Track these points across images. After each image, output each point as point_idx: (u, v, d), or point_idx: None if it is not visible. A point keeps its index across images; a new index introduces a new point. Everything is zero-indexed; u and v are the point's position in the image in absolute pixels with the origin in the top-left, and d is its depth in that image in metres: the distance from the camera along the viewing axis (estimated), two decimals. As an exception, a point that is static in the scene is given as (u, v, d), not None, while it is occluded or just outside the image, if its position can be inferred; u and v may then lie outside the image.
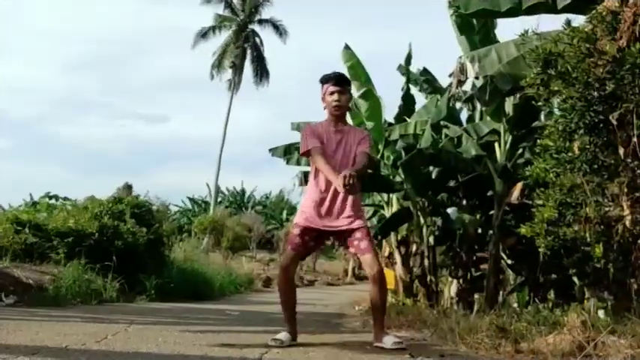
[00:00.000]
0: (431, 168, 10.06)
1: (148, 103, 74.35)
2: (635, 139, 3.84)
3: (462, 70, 6.26)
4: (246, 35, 33.09)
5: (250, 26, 33.46)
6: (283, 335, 3.30)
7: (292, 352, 3.06)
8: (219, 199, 37.79)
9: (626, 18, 3.99)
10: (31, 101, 73.55)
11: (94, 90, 72.74)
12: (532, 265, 7.46)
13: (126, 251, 7.66)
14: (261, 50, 33.80)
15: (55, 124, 74.52)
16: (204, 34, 32.77)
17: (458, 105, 9.87)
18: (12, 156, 61.57)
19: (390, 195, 11.79)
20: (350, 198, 3.44)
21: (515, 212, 8.15)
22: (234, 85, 32.71)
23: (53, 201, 11.42)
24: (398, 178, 10.39)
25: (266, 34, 33.76)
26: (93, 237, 7.58)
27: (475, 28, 7.97)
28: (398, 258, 11.24)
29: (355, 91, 9.78)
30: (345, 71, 10.48)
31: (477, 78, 6.60)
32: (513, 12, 5.80)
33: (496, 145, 8.90)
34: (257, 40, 33.72)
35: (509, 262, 9.94)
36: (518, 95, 7.56)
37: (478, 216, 9.91)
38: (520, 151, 8.74)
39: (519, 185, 7.78)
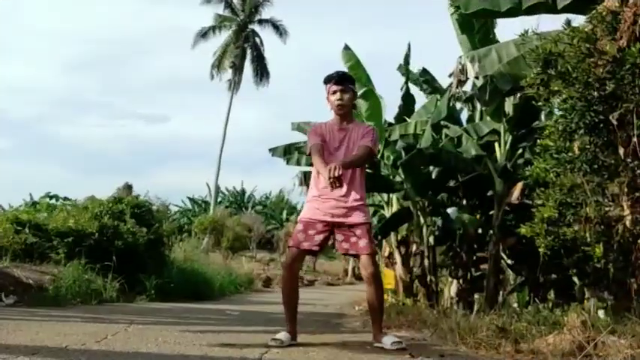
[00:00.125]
0: (431, 168, 10.07)
1: (148, 103, 74.46)
2: (635, 139, 3.84)
3: (462, 70, 6.26)
4: (246, 35, 33.10)
5: (250, 26, 33.47)
6: (283, 335, 3.30)
7: (292, 352, 3.06)
8: (219, 199, 37.80)
9: (626, 18, 3.99)
10: (31, 101, 73.66)
11: (94, 90, 72.85)
12: (532, 265, 7.46)
13: (126, 251, 7.66)
14: (261, 50, 33.82)
15: (55, 124, 74.62)
16: (204, 34, 32.78)
17: (458, 105, 9.86)
18: (12, 156, 61.67)
19: (390, 195, 11.80)
20: (353, 192, 3.44)
21: (515, 212, 8.16)
22: (234, 85, 32.72)
23: (53, 201, 11.42)
24: (398, 178, 10.40)
25: (266, 34, 33.83)
26: (93, 237, 7.58)
27: (475, 28, 7.97)
28: (398, 258, 11.24)
29: (355, 91, 9.77)
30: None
31: (477, 78, 6.59)
32: (513, 12, 5.80)
33: (496, 145, 8.90)
34: (257, 40, 33.74)
35: (509, 262, 9.95)
36: (518, 95, 7.56)
37: (478, 216, 9.91)
38: (520, 151, 8.74)
39: (519, 185, 7.78)
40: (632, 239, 3.98)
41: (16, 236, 7.16)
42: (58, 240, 7.38)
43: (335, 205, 3.43)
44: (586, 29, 4.12)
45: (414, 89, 11.78)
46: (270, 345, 3.19)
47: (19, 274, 6.03)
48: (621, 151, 4.01)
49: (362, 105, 9.97)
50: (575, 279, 7.06)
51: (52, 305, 5.52)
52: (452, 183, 10.03)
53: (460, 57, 6.44)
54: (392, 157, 10.70)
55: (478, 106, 9.84)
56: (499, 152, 8.73)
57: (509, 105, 8.58)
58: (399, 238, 11.34)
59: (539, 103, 4.33)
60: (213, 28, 32.99)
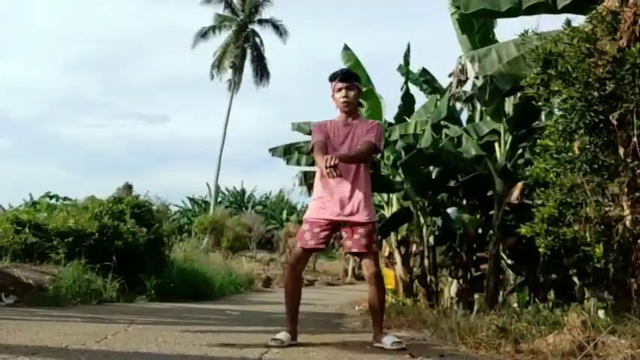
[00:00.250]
0: (431, 168, 10.06)
1: (148, 103, 74.41)
2: (635, 139, 3.84)
3: (462, 69, 6.26)
4: (246, 35, 33.09)
5: (250, 26, 33.47)
6: (283, 335, 3.30)
7: (292, 352, 3.06)
8: (219, 199, 37.80)
9: (626, 18, 3.99)
10: (31, 101, 73.63)
11: (94, 90, 72.81)
12: (532, 265, 7.46)
13: (126, 251, 7.66)
14: (261, 50, 33.81)
15: (55, 124, 74.60)
16: (204, 34, 32.79)
17: (458, 105, 9.86)
18: (12, 156, 61.65)
19: (390, 195, 11.80)
20: (357, 190, 3.43)
21: (515, 212, 8.16)
22: (234, 85, 32.72)
23: (53, 201, 11.41)
24: (398, 178, 10.40)
25: (266, 34, 33.83)
26: (93, 237, 7.58)
27: (475, 28, 7.97)
28: (398, 258, 11.24)
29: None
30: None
31: (477, 78, 6.59)
32: (513, 12, 5.80)
33: (496, 145, 8.90)
34: (257, 40, 33.74)
35: (509, 262, 9.94)
36: (518, 95, 7.56)
37: (478, 216, 9.91)
38: (520, 151, 8.74)
39: (519, 185, 7.78)
40: (632, 239, 3.98)
41: (16, 236, 7.16)
42: (58, 240, 7.38)
43: (339, 203, 3.42)
44: (586, 29, 4.12)
45: (414, 89, 11.79)
46: (270, 345, 3.19)
47: (19, 274, 6.03)
48: (621, 151, 4.01)
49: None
50: (575, 279, 7.06)
51: (52, 305, 5.52)
52: (452, 183, 10.03)
53: (460, 57, 6.44)
54: (392, 157, 10.70)
55: (478, 106, 9.84)
56: (499, 152, 8.73)
57: (509, 105, 8.57)
58: (399, 238, 11.34)
59: (539, 103, 4.33)
60: (213, 28, 33.00)
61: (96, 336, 3.27)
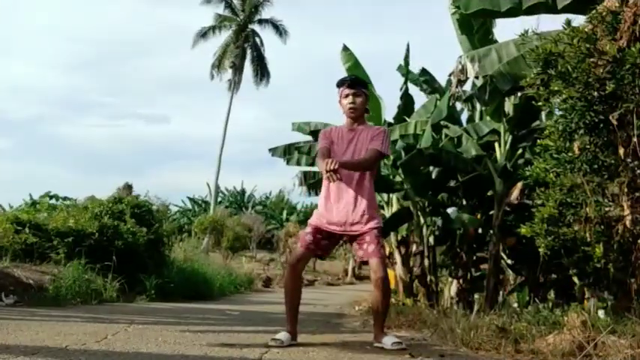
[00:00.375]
0: (431, 168, 10.07)
1: (148, 103, 74.45)
2: (635, 139, 3.84)
3: (462, 69, 6.26)
4: (246, 35, 33.09)
5: (250, 26, 33.46)
6: (283, 335, 3.30)
7: (292, 352, 3.06)
8: (219, 199, 37.80)
9: (626, 18, 3.99)
10: (31, 101, 73.69)
11: (94, 90, 72.90)
12: (532, 265, 7.47)
13: (126, 251, 7.66)
14: (261, 50, 33.80)
15: (55, 124, 74.65)
16: (204, 34, 32.78)
17: (458, 105, 9.87)
18: (12, 156, 61.69)
19: (390, 195, 11.81)
20: (361, 198, 3.43)
21: (515, 212, 8.16)
22: (234, 85, 32.71)
23: (53, 201, 11.41)
24: (398, 178, 10.40)
25: (266, 34, 33.83)
26: (93, 237, 7.58)
27: (474, 28, 7.98)
28: (398, 258, 11.25)
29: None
30: (343, 72, 10.51)
31: (477, 78, 6.59)
32: (513, 12, 5.80)
33: (496, 145, 8.90)
34: (257, 40, 33.73)
35: (509, 262, 9.95)
36: (518, 95, 7.56)
37: (478, 216, 9.92)
38: (520, 151, 8.75)
39: (519, 185, 7.79)
40: (632, 239, 3.98)
41: (16, 236, 7.16)
42: (58, 240, 7.37)
43: (344, 213, 3.43)
44: (586, 29, 4.12)
45: (414, 89, 11.79)
46: (270, 345, 3.19)
47: (19, 274, 6.03)
48: (621, 151, 4.01)
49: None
50: (575, 279, 7.06)
51: (52, 305, 5.52)
52: (452, 183, 10.04)
53: (460, 57, 6.44)
54: (392, 157, 10.71)
55: (478, 106, 9.85)
56: (499, 152, 8.74)
57: (509, 105, 8.58)
58: (399, 238, 11.35)
59: (539, 103, 4.33)
60: (213, 28, 32.99)
61: (96, 336, 3.27)
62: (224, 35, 33.23)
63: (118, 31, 77.23)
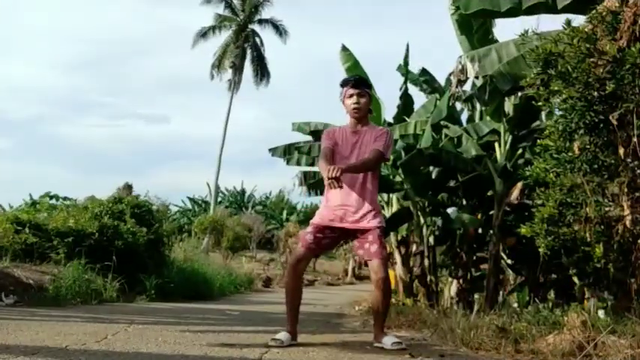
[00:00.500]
0: (431, 168, 10.06)
1: (148, 103, 74.47)
2: (635, 139, 3.84)
3: (462, 69, 6.26)
4: (246, 35, 33.08)
5: (250, 26, 33.45)
6: (283, 335, 3.30)
7: (292, 352, 3.06)
8: (219, 199, 37.79)
9: (626, 18, 3.99)
10: (31, 101, 73.70)
11: (94, 90, 72.91)
12: (532, 265, 7.47)
13: (126, 251, 7.66)
14: (261, 50, 33.80)
15: (55, 124, 74.66)
16: (204, 34, 32.77)
17: (458, 105, 9.87)
18: (12, 156, 61.70)
19: (390, 195, 11.80)
20: (364, 198, 3.43)
21: (515, 212, 8.16)
22: (234, 85, 32.70)
23: (53, 201, 11.41)
24: (398, 178, 10.40)
25: (266, 34, 33.82)
26: (93, 237, 7.58)
27: (474, 28, 7.98)
28: (398, 258, 11.25)
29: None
30: (343, 72, 10.51)
31: (477, 78, 6.59)
32: (513, 12, 5.80)
33: (496, 145, 8.90)
34: (257, 40, 33.73)
35: (509, 262, 9.95)
36: (518, 95, 7.56)
37: (478, 216, 9.92)
38: (520, 151, 8.75)
39: (519, 185, 7.79)
40: (632, 239, 3.98)
41: (16, 236, 7.16)
42: (58, 240, 7.37)
43: (346, 212, 3.43)
44: (586, 29, 4.12)
45: (414, 90, 11.79)
46: (270, 345, 3.19)
47: (19, 274, 6.04)
48: (621, 151, 4.01)
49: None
50: (575, 279, 7.06)
51: (52, 305, 5.53)
52: (452, 183, 10.04)
53: (460, 57, 6.44)
54: (392, 157, 10.71)
55: (478, 106, 9.84)
56: (499, 152, 8.74)
57: (509, 105, 8.58)
58: (399, 238, 11.35)
59: (539, 103, 4.32)
60: (213, 28, 32.98)
61: (96, 336, 3.27)
62: (224, 35, 33.27)
63: (118, 31, 77.34)
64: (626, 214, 3.97)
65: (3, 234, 7.14)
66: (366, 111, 3.61)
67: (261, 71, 33.54)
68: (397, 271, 11.23)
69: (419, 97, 13.07)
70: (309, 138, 11.33)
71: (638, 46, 3.80)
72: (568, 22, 4.25)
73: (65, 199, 11.38)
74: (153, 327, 4.04)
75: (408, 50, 11.33)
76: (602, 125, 4.01)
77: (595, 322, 3.27)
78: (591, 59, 3.96)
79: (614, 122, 3.91)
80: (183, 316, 5.39)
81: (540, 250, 4.23)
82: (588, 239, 4.03)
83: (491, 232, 8.81)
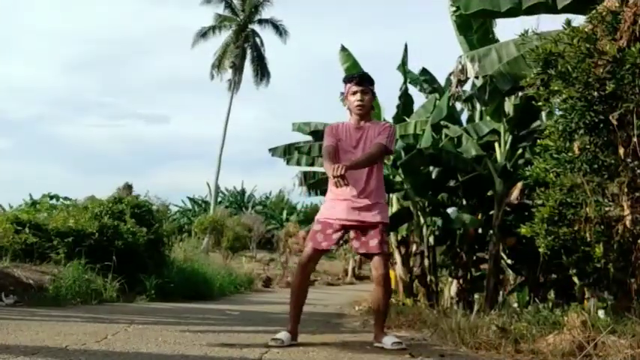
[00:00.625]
0: (431, 168, 10.07)
1: (148, 103, 74.44)
2: (635, 139, 3.84)
3: (462, 69, 6.26)
4: (246, 35, 33.07)
5: (250, 26, 33.44)
6: (283, 335, 3.30)
7: (292, 352, 3.06)
8: (219, 199, 37.78)
9: (626, 18, 3.99)
10: (31, 101, 73.72)
11: (94, 90, 72.87)
12: (532, 265, 7.47)
13: (126, 251, 7.66)
14: (261, 50, 33.78)
15: (55, 124, 74.65)
16: (204, 34, 32.75)
17: (458, 105, 9.87)
18: (12, 156, 61.67)
19: (390, 195, 11.80)
20: (369, 192, 3.44)
21: (515, 212, 8.17)
22: (234, 85, 32.69)
23: (53, 201, 11.40)
24: (398, 178, 10.40)
25: (266, 34, 33.79)
26: (93, 237, 7.58)
27: (473, 28, 7.98)
28: (398, 258, 11.25)
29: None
30: (342, 73, 10.51)
31: (477, 78, 6.59)
32: (513, 12, 5.80)
33: (496, 145, 8.91)
34: (257, 40, 33.71)
35: (509, 262, 9.95)
36: (518, 95, 7.56)
37: (478, 216, 9.92)
38: (520, 151, 8.75)
39: (519, 185, 7.79)
40: (632, 239, 3.98)
41: (16, 236, 7.16)
42: (58, 240, 7.37)
43: (351, 205, 3.43)
44: (586, 29, 4.12)
45: (414, 90, 11.79)
46: (270, 345, 3.19)
47: (19, 274, 6.03)
48: (621, 151, 4.01)
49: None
50: (575, 279, 7.06)
51: (52, 305, 5.52)
52: (452, 183, 10.04)
53: (460, 57, 6.44)
54: (392, 157, 10.71)
55: (478, 106, 9.84)
56: (499, 152, 8.74)
57: (509, 105, 8.58)
58: (399, 238, 11.35)
59: (539, 103, 4.33)
60: (213, 28, 32.96)
61: (96, 336, 3.27)
62: (224, 35, 33.25)
63: (118, 31, 77.33)
64: (626, 214, 3.97)
65: (3, 234, 7.14)
66: (369, 108, 3.61)
67: (261, 71, 33.53)
68: (397, 271, 11.23)
69: (419, 97, 13.08)
70: (309, 138, 11.33)
71: (638, 46, 3.80)
72: (568, 22, 4.25)
73: (65, 199, 11.38)
74: (153, 327, 4.04)
75: (406, 50, 11.34)
76: (602, 125, 4.01)
77: (595, 322, 3.26)
78: (591, 59, 3.96)
79: (614, 122, 3.91)
80: (183, 316, 5.39)
81: (540, 250, 4.24)
82: (588, 239, 4.03)
83: (491, 232, 8.82)
